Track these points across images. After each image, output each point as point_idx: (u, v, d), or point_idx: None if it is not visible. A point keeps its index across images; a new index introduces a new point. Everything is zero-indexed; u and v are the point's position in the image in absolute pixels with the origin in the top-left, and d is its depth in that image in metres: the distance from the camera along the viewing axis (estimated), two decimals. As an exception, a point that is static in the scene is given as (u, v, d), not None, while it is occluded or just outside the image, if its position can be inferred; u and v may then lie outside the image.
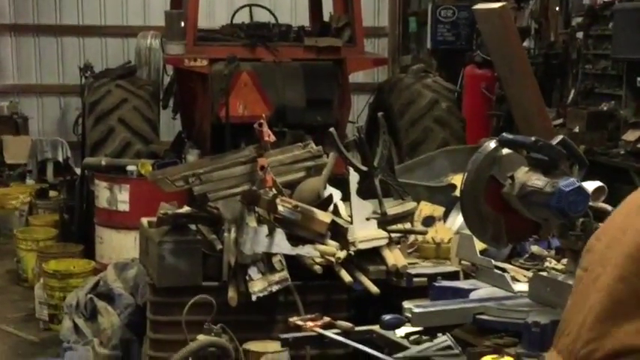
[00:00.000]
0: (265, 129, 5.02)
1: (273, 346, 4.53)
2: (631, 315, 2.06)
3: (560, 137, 3.33)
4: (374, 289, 4.87)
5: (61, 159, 12.12)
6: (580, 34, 9.73)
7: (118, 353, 5.89)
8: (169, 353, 4.49)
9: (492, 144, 3.55)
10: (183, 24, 8.12)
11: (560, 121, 9.18)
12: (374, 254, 5.07)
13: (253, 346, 4.62)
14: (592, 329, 2.08)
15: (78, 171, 9.72)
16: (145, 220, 5.39)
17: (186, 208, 5.28)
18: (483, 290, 4.03)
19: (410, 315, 3.75)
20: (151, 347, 5.13)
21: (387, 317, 3.81)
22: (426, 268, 4.95)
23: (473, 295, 3.98)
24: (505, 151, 3.54)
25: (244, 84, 7.81)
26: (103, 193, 7.56)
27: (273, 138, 5.08)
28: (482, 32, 7.96)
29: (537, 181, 3.45)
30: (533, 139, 3.36)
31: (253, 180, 4.98)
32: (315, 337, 4.12)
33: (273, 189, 4.99)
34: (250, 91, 7.84)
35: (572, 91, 9.72)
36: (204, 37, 8.44)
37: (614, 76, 9.16)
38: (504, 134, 3.57)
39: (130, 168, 7.52)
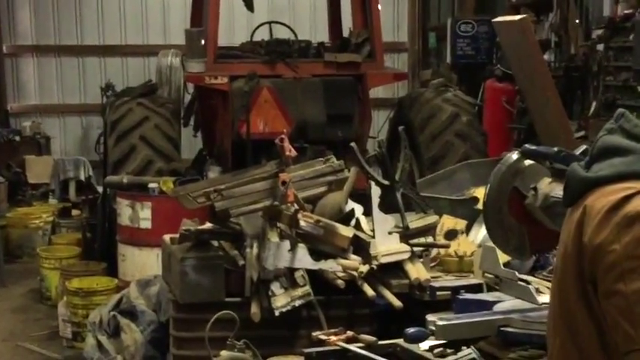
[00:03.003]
0: (286, 144, 5.03)
1: (297, 361, 4.52)
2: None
3: (583, 147, 3.31)
4: (397, 303, 4.85)
5: (83, 178, 12.19)
6: (601, 46, 9.69)
7: (142, 370, 5.89)
8: (193, 370, 4.48)
9: (515, 155, 3.53)
10: (203, 42, 8.16)
11: (582, 133, 9.13)
12: (396, 268, 5.05)
13: (276, 361, 4.61)
14: None
15: (100, 189, 9.76)
16: (167, 237, 5.40)
17: (208, 225, 5.28)
18: (507, 302, 4.01)
19: (434, 328, 3.74)
20: (175, 364, 5.12)
21: (410, 330, 3.79)
22: (449, 281, 4.93)
23: (497, 308, 3.95)
24: (527, 162, 3.51)
25: (265, 100, 7.84)
26: (125, 211, 7.58)
27: (294, 153, 5.08)
28: (503, 45, 7.95)
29: (561, 191, 3.42)
30: (555, 149, 3.34)
31: (275, 195, 4.98)
32: (339, 351, 4.09)
33: (295, 204, 4.98)
34: (271, 108, 7.86)
35: (594, 104, 9.67)
36: (224, 54, 8.47)
37: (635, 87, 9.11)
38: (527, 145, 3.55)
39: (151, 186, 7.54)
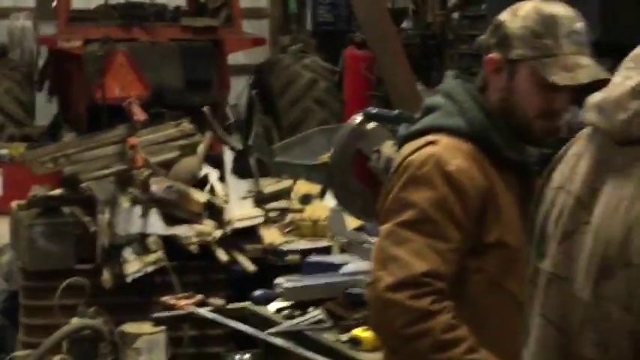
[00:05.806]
0: (135, 108, 4.97)
1: (150, 327, 4.49)
2: None
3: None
4: (250, 267, 4.88)
5: None
6: (456, 15, 9.91)
7: (-7, 341, 5.75)
8: (43, 339, 4.41)
9: (358, 118, 3.58)
10: (55, 3, 7.95)
11: (437, 99, 9.33)
12: (251, 233, 5.07)
13: (129, 327, 4.57)
14: None
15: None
16: (14, 204, 5.27)
17: (58, 191, 5.18)
18: (354, 264, 4.07)
19: (281, 290, 3.77)
20: (25, 333, 5.01)
21: (257, 293, 3.82)
22: (302, 245, 4.98)
23: (344, 270, 4.02)
24: (371, 125, 3.57)
25: (120, 65, 7.71)
26: (-26, 178, 7.36)
27: (143, 117, 5.03)
28: (356, 11, 8.03)
29: (403, 154, 3.49)
30: (395, 112, 3.40)
31: (125, 160, 4.92)
32: (189, 315, 4.10)
33: (147, 168, 4.93)
34: (127, 72, 7.73)
35: (449, 71, 9.89)
36: (78, 17, 8.28)
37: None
38: (369, 108, 3.60)
39: (2, 152, 7.35)
